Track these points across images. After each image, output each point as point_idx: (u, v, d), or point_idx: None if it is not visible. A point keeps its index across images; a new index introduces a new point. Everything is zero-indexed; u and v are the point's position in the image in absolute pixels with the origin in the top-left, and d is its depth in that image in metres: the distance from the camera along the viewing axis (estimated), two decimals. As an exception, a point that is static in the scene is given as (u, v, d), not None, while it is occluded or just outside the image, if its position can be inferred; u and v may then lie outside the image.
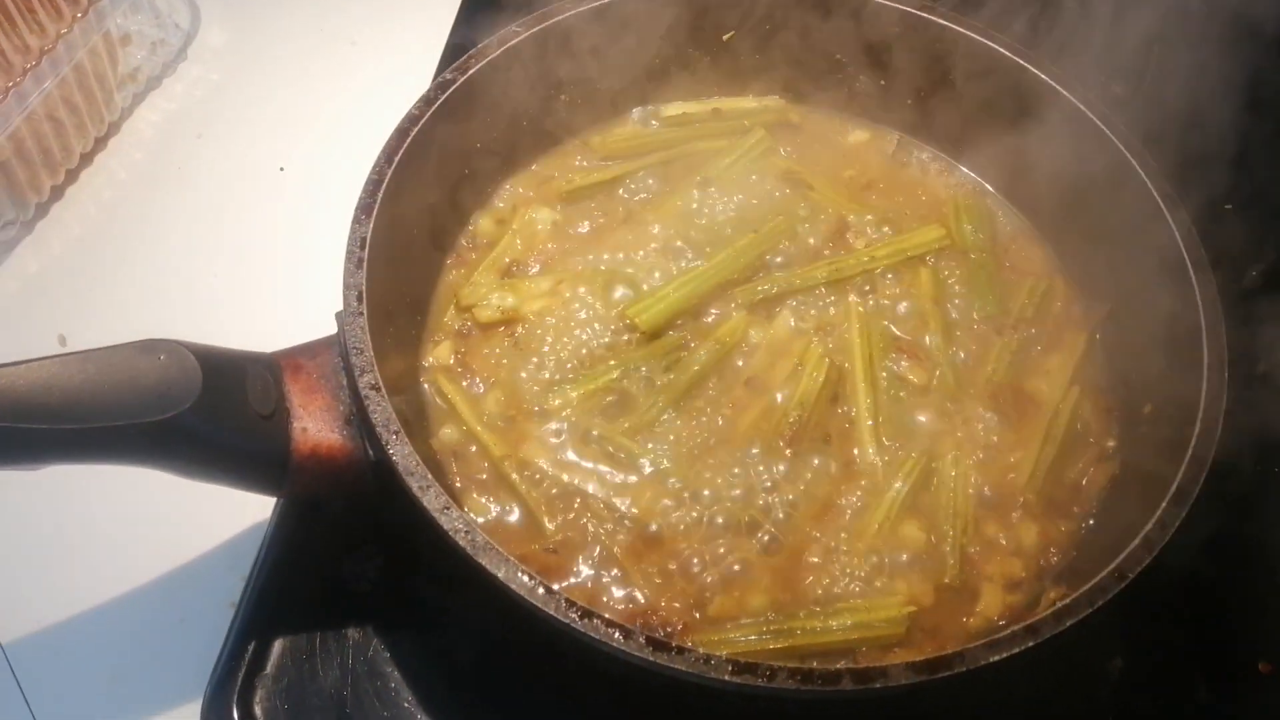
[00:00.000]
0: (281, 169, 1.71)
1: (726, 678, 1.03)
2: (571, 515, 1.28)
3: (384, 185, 1.29)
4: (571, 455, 1.31)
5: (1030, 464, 1.33)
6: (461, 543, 1.09)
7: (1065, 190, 1.48)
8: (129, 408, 1.07)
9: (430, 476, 1.12)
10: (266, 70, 1.82)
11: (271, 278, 1.58)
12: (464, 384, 1.36)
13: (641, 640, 1.05)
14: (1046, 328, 1.45)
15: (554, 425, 1.33)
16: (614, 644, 1.05)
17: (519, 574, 1.07)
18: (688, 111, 1.58)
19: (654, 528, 1.27)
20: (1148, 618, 1.32)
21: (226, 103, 1.78)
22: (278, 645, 1.31)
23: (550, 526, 1.27)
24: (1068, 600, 1.09)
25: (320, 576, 1.36)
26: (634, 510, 1.28)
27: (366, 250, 1.25)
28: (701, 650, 1.04)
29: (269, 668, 1.29)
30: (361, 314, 1.20)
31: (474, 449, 1.32)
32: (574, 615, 1.05)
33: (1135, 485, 1.29)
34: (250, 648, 1.29)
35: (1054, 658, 1.08)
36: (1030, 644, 1.06)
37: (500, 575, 1.07)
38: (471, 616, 1.31)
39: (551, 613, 1.06)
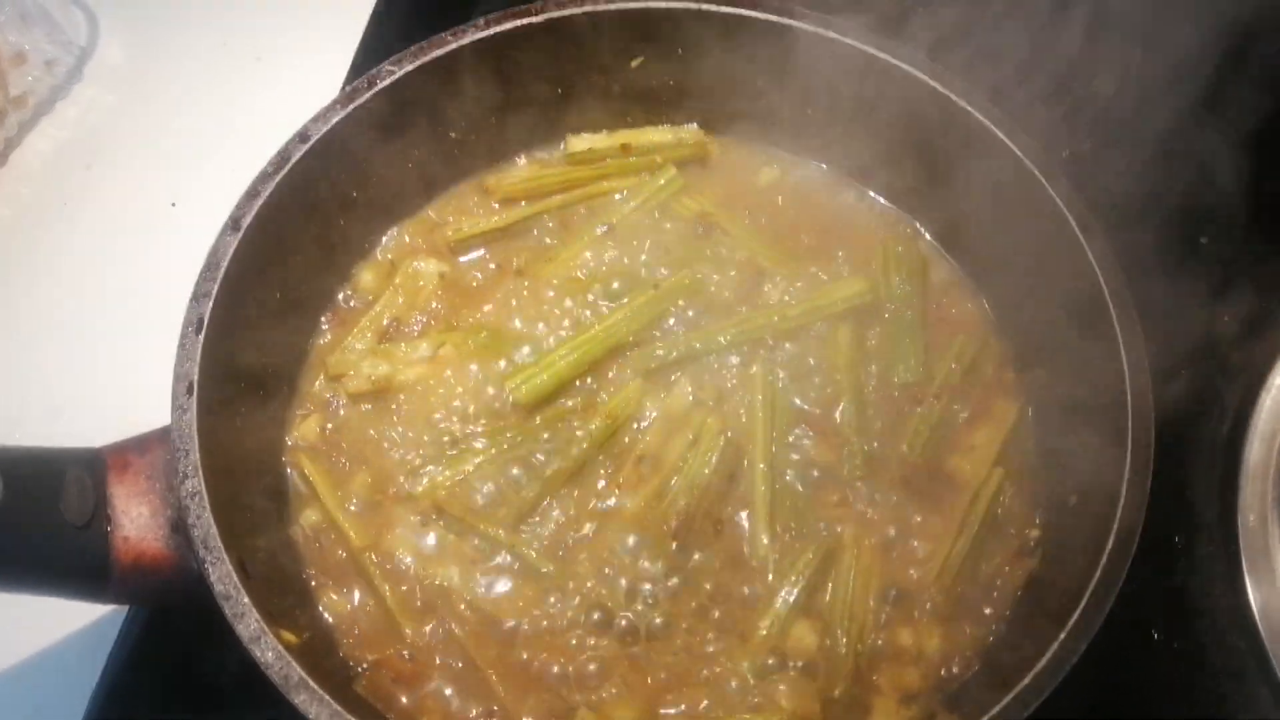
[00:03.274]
0: (173, 204, 1.60)
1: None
2: (433, 615, 1.19)
3: (228, 261, 1.18)
4: (437, 548, 1.22)
5: (942, 557, 1.21)
6: (275, 678, 1.00)
7: (1003, 240, 1.33)
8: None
9: (248, 601, 1.03)
10: (166, 90, 1.71)
11: (151, 336, 1.46)
12: (330, 462, 1.27)
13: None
14: (974, 395, 1.31)
15: (420, 513, 1.23)
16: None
17: None
18: (594, 147, 1.44)
19: (519, 630, 1.18)
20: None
21: (121, 129, 1.67)
22: (128, 750, 1.24)
23: (409, 629, 1.18)
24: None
25: (179, 669, 1.28)
26: (499, 610, 1.18)
27: (203, 335, 1.15)
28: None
29: (119, 771, 1.23)
30: (189, 409, 1.11)
31: (334, 537, 1.23)
32: (391, 765, 0.97)
33: (1053, 586, 1.17)
34: (99, 753, 1.23)
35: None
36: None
37: (310, 717, 0.99)
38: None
39: (367, 762, 0.97)
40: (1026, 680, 1.01)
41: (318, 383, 1.31)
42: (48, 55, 1.70)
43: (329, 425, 1.29)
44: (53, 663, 1.30)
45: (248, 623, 1.02)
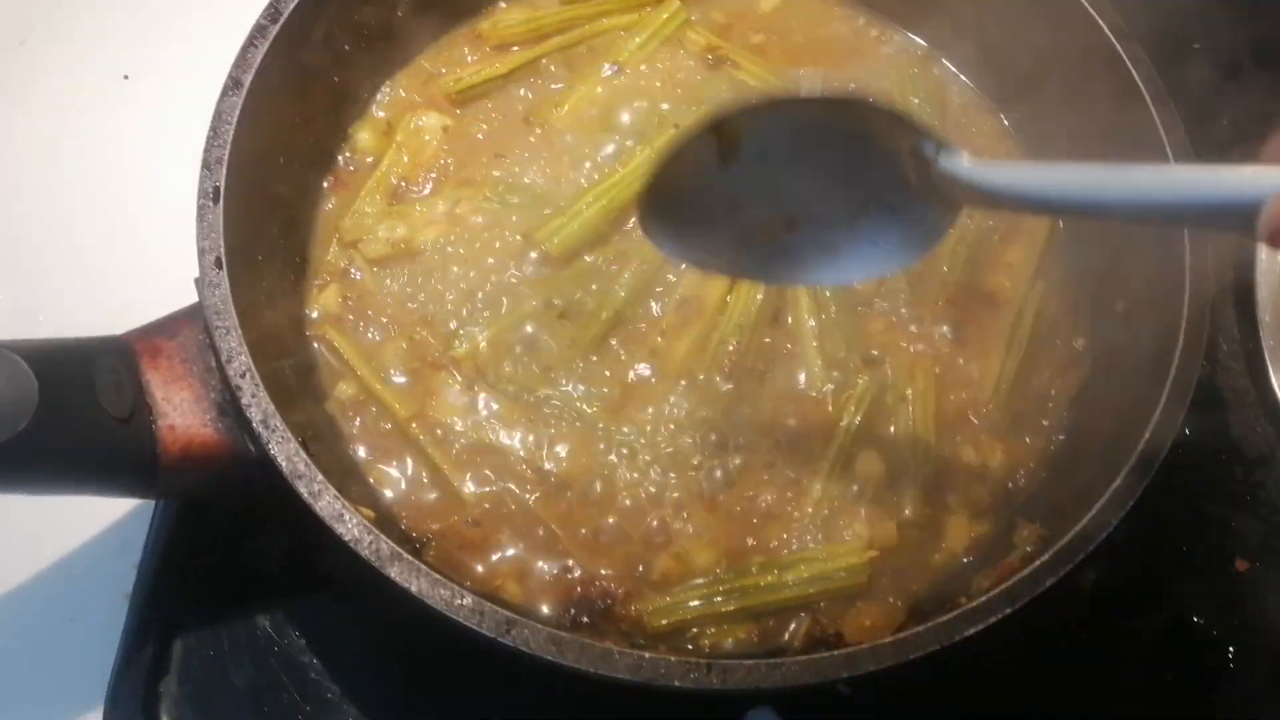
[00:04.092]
0: (126, 77, 1.47)
1: (677, 684, 0.93)
2: (491, 478, 1.14)
3: (235, 122, 1.08)
4: (486, 410, 1.17)
5: (994, 374, 1.21)
6: (365, 554, 0.95)
7: (1024, 53, 1.30)
8: (-55, 437, 0.90)
9: (322, 478, 0.97)
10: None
11: (121, 220, 1.37)
12: (358, 332, 1.20)
13: (578, 647, 0.94)
14: (1004, 213, 1.30)
15: (464, 376, 1.17)
16: (549, 656, 0.94)
17: (436, 588, 0.95)
18: (590, -21, 1.36)
19: (584, 486, 1.14)
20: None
21: (54, -3, 1.52)
22: (179, 645, 1.18)
23: (469, 494, 1.13)
24: (1048, 555, 0.99)
25: (220, 559, 1.22)
26: (560, 467, 1.15)
27: (221, 203, 1.06)
28: (644, 654, 0.94)
29: (172, 671, 1.17)
30: (221, 284, 1.03)
31: (375, 409, 1.17)
32: (500, 627, 0.94)
33: (1107, 392, 1.19)
34: (148, 651, 1.17)
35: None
36: (1008, 610, 0.97)
37: (414, 590, 0.95)
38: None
39: (478, 628, 0.94)
40: (1118, 482, 1.01)
41: (331, 251, 1.23)
42: (-50, -81, 1.52)
43: (350, 294, 1.21)
44: (86, 564, 1.22)
45: (327, 500, 0.96)
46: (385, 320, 1.20)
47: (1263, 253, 1.39)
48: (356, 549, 0.95)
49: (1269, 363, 1.34)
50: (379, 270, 1.22)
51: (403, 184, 1.26)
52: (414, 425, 1.15)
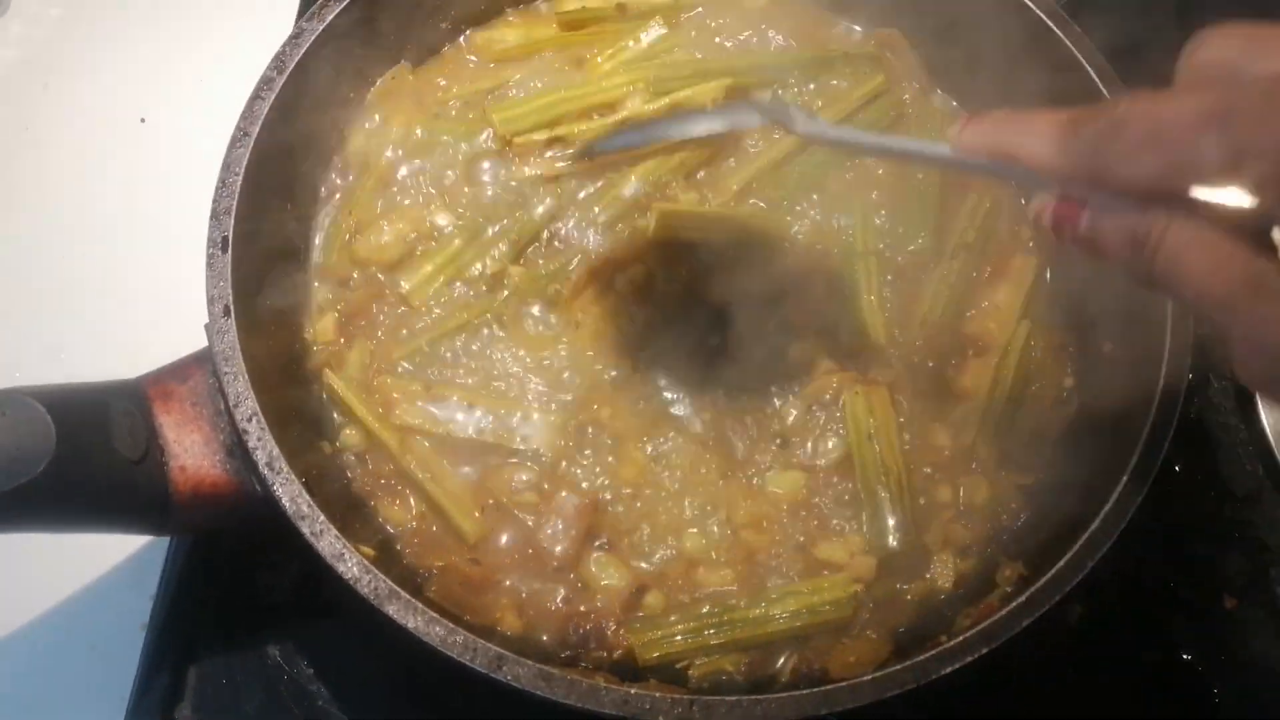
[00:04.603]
0: (143, 120, 1.52)
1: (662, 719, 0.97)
2: (489, 513, 1.17)
3: (243, 173, 1.13)
4: (489, 440, 1.20)
5: (978, 415, 1.23)
6: (364, 592, 1.00)
7: (1012, 87, 1.33)
8: (-36, 480, 0.95)
9: (324, 519, 1.01)
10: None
11: (138, 261, 1.42)
12: (357, 365, 1.23)
13: (566, 684, 0.98)
14: (991, 254, 1.32)
15: (465, 405, 1.20)
16: (539, 692, 0.98)
17: (431, 625, 0.99)
18: (588, 5, 1.39)
19: (579, 519, 1.17)
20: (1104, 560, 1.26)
21: (73, 43, 1.56)
22: (193, 673, 1.24)
23: (468, 529, 1.16)
24: (1024, 597, 1.02)
25: (231, 592, 1.27)
26: (556, 501, 1.18)
27: (229, 252, 1.10)
28: (630, 690, 0.98)
29: (186, 698, 1.23)
30: (229, 330, 1.07)
31: (376, 445, 1.20)
32: (491, 663, 0.98)
33: (1093, 431, 1.21)
34: (164, 680, 1.22)
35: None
36: (985, 650, 1.00)
37: (410, 627, 0.99)
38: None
39: (471, 664, 0.98)
40: (1095, 525, 1.04)
41: (333, 286, 1.26)
42: (-22, -33, 1.58)
43: (349, 327, 1.24)
44: (104, 594, 1.26)
45: (329, 540, 1.00)
46: (382, 351, 1.23)
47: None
48: (356, 587, 0.99)
49: (1258, 400, 1.36)
50: (380, 300, 1.26)
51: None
52: (413, 462, 1.19)
